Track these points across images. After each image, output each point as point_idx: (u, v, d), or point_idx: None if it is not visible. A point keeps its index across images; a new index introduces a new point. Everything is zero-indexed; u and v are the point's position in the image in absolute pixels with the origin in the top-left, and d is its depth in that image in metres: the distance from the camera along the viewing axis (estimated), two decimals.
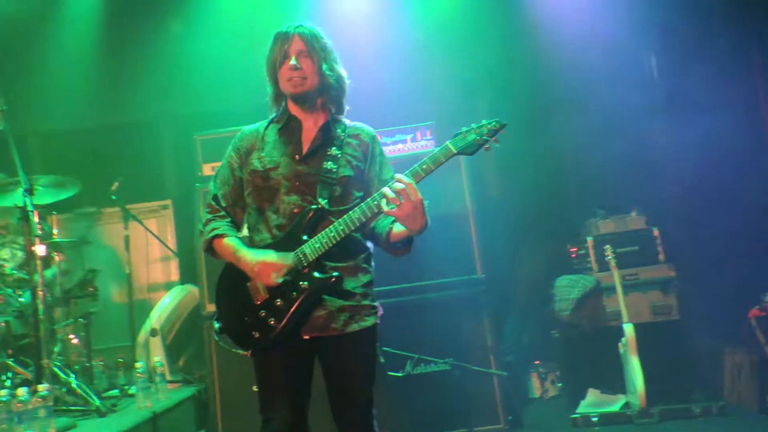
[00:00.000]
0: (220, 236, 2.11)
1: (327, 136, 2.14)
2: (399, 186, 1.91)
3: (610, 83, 4.29)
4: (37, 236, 3.29)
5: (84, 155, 4.99)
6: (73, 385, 3.39)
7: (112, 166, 4.84)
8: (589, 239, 4.12)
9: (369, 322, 2.09)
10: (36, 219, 3.29)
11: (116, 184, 4.40)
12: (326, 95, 2.15)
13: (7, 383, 3.33)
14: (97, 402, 3.33)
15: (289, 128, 2.16)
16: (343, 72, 2.17)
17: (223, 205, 2.18)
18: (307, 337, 2.04)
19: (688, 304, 3.97)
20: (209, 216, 2.17)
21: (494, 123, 1.98)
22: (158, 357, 3.88)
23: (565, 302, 4.01)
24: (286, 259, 2.00)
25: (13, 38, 4.70)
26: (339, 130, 2.16)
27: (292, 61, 2.07)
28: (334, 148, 2.11)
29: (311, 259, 2.00)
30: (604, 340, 3.84)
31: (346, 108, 2.21)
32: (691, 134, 3.93)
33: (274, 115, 2.22)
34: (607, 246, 3.82)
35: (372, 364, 2.13)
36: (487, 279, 3.63)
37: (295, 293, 2.00)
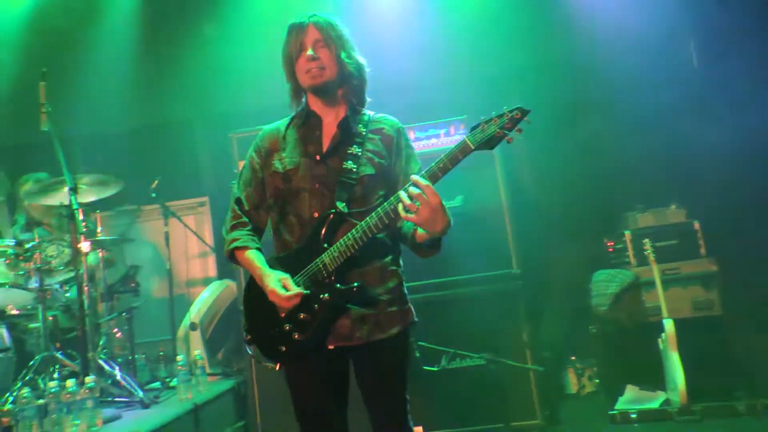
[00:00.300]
0: (241, 249, 2.04)
1: (346, 133, 2.03)
2: (415, 190, 1.78)
3: (646, 77, 4.20)
4: (82, 233, 3.40)
5: (124, 155, 5.12)
6: (118, 377, 3.49)
7: (151, 165, 4.95)
8: (627, 233, 4.05)
9: (395, 330, 1.98)
10: (81, 216, 3.40)
11: (156, 182, 4.50)
12: (347, 85, 2.04)
13: (56, 375, 3.45)
14: (141, 394, 3.43)
15: (309, 126, 2.07)
16: (362, 60, 2.05)
17: (246, 208, 2.10)
18: (332, 347, 1.96)
19: (730, 299, 3.86)
20: (232, 222, 2.10)
21: (516, 111, 1.79)
22: (198, 350, 3.97)
23: (603, 297, 3.95)
24: (297, 286, 1.91)
25: (58, 45, 4.86)
26: (360, 125, 2.04)
27: (309, 52, 1.98)
28: (354, 146, 2.00)
29: (331, 269, 1.92)
30: (642, 335, 3.76)
31: (368, 100, 2.10)
32: (732, 129, 3.82)
33: (294, 112, 2.13)
34: (646, 240, 3.73)
35: (401, 371, 2.03)
36: (523, 273, 3.60)
37: (317, 305, 1.93)
